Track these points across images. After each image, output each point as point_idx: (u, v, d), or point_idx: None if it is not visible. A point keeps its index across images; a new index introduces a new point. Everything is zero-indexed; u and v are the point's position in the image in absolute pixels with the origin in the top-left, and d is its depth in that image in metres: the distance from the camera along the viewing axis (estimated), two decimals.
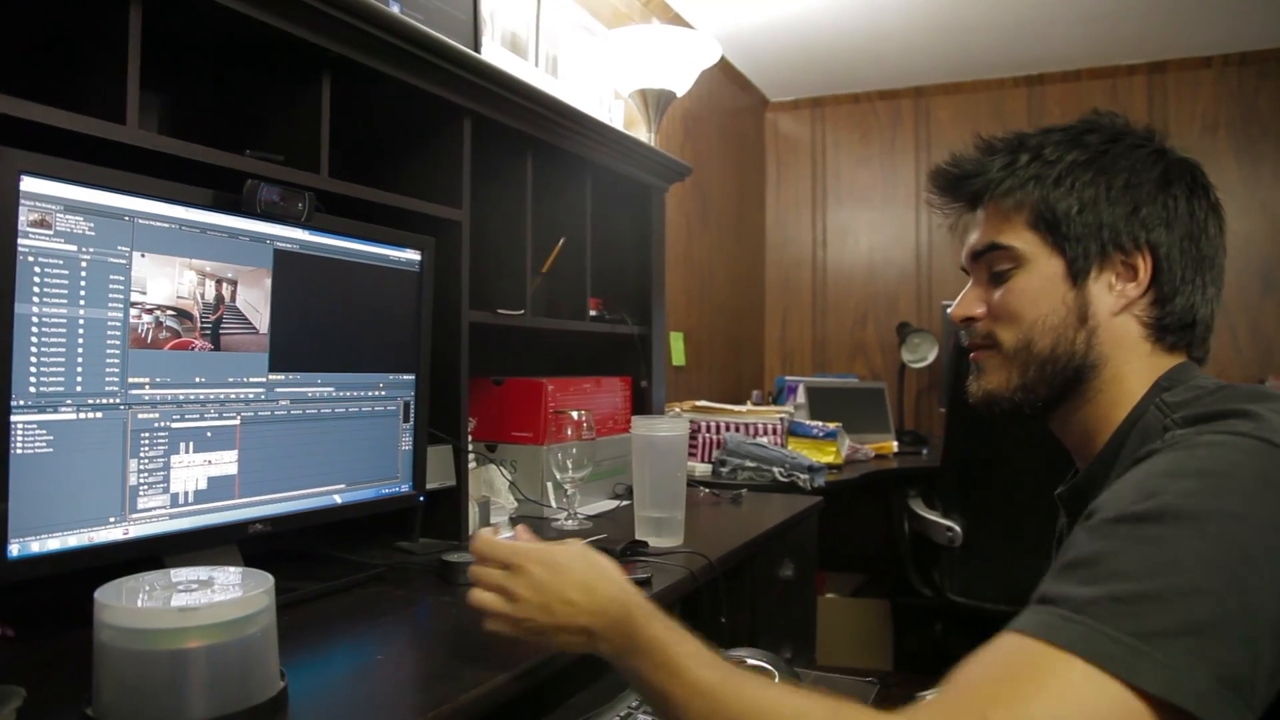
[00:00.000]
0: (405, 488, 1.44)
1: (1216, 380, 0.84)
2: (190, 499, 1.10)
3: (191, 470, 1.10)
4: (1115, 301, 0.86)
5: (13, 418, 0.90)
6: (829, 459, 2.78)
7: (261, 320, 1.18)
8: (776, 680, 0.97)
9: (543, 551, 0.90)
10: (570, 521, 1.72)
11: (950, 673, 0.65)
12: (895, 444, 3.34)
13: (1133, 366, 0.86)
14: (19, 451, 0.91)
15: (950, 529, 2.48)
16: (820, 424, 2.90)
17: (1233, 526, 0.62)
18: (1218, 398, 0.78)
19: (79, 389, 0.96)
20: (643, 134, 2.45)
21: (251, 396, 1.18)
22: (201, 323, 1.10)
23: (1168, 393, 0.83)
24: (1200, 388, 0.82)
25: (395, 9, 1.47)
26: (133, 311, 1.01)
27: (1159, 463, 0.70)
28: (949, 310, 0.96)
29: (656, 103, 2.48)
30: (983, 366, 0.92)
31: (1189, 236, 0.86)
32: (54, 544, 0.95)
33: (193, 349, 1.09)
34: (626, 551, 1.46)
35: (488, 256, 1.75)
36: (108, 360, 0.99)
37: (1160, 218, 0.85)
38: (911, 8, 3.20)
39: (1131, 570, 0.61)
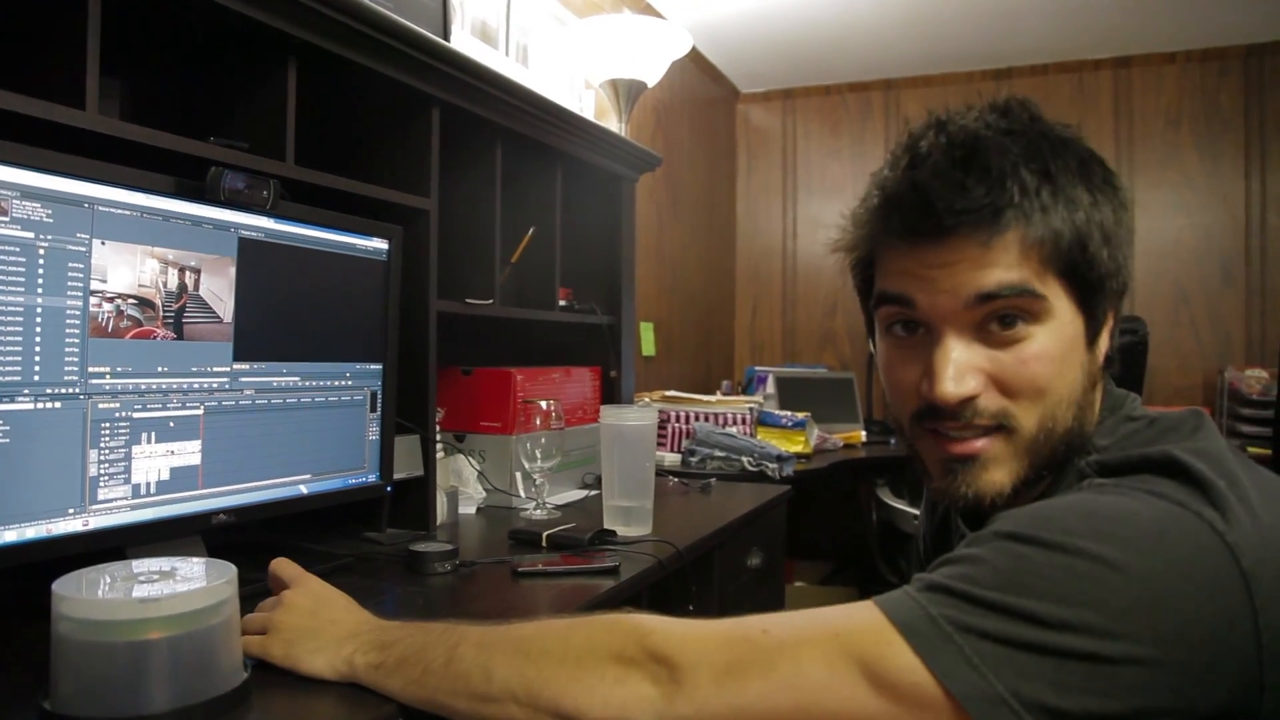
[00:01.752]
0: (372, 478, 1.44)
1: (1141, 408, 0.77)
2: (152, 490, 1.09)
3: (153, 461, 1.09)
4: (1102, 354, 0.75)
5: None
6: (798, 448, 2.80)
7: (226, 309, 1.17)
8: None
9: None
10: (539, 511, 1.72)
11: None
12: (864, 433, 3.37)
13: (1094, 415, 0.76)
14: None
15: (917, 517, 2.50)
16: (789, 414, 2.92)
17: (1100, 570, 0.58)
18: (1141, 437, 0.72)
19: (37, 378, 0.95)
20: (613, 124, 2.44)
21: (215, 386, 1.17)
22: (164, 312, 1.09)
23: (1099, 426, 0.75)
24: (1130, 420, 0.75)
25: None
26: (93, 300, 1.00)
27: (1065, 497, 0.67)
28: (933, 389, 0.71)
29: (627, 93, 2.48)
30: (987, 460, 0.73)
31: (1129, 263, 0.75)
32: (10, 536, 0.93)
33: (155, 338, 1.08)
34: (595, 540, 1.46)
35: (456, 246, 1.74)
36: (67, 350, 0.98)
37: (1130, 249, 0.74)
38: (882, 0, 3.22)
39: (984, 576, 0.61)
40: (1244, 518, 0.61)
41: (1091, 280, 0.71)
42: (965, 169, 0.69)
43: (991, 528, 0.65)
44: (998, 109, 0.75)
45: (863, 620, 0.63)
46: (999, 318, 0.70)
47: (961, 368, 0.71)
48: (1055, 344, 0.70)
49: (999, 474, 0.73)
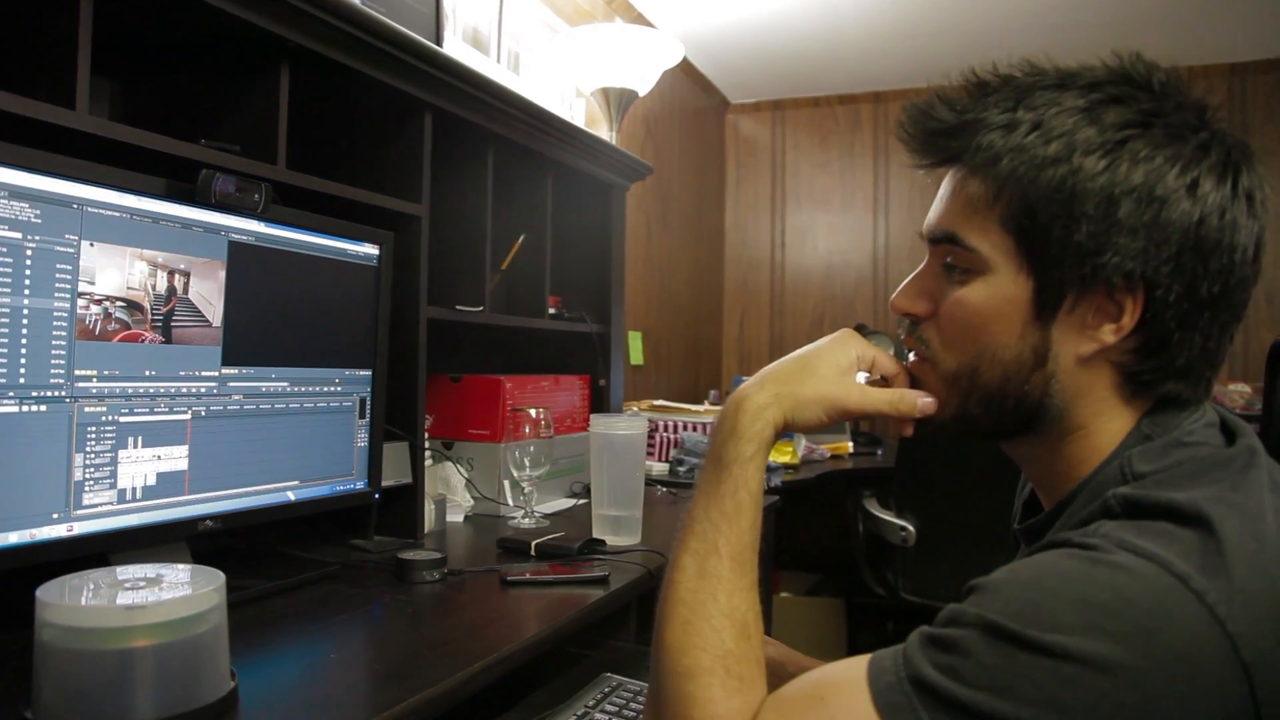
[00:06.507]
0: (360, 485, 1.42)
1: (1203, 429, 0.68)
2: (138, 495, 1.07)
3: (140, 465, 1.07)
4: (1084, 346, 0.68)
5: None
6: (785, 459, 2.80)
7: (215, 313, 1.16)
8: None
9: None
10: (527, 520, 1.71)
11: (819, 669, 0.67)
12: (850, 445, 3.37)
13: (1102, 421, 0.69)
14: None
15: (904, 529, 2.51)
16: None
17: (1087, 674, 0.54)
18: (1182, 471, 0.65)
19: (22, 381, 0.94)
20: (604, 133, 2.44)
21: (203, 391, 1.15)
22: (152, 315, 1.08)
23: (1144, 444, 0.67)
24: (1178, 446, 0.66)
25: (356, 0, 1.45)
26: (80, 302, 0.99)
27: (1063, 564, 0.60)
28: (891, 298, 0.77)
29: (618, 102, 2.48)
30: (916, 382, 0.77)
31: (1205, 274, 0.64)
32: None
33: (143, 341, 1.07)
34: (584, 550, 1.45)
35: (447, 252, 1.74)
36: (53, 352, 0.97)
37: (1171, 250, 0.63)
38: (871, 13, 3.23)
39: (970, 675, 0.57)
40: (1258, 595, 0.57)
41: (1036, 244, 0.66)
42: (935, 115, 0.70)
43: (984, 599, 0.60)
44: (1113, 66, 0.74)
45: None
46: (945, 257, 0.72)
47: (912, 287, 0.74)
48: (988, 298, 0.69)
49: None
